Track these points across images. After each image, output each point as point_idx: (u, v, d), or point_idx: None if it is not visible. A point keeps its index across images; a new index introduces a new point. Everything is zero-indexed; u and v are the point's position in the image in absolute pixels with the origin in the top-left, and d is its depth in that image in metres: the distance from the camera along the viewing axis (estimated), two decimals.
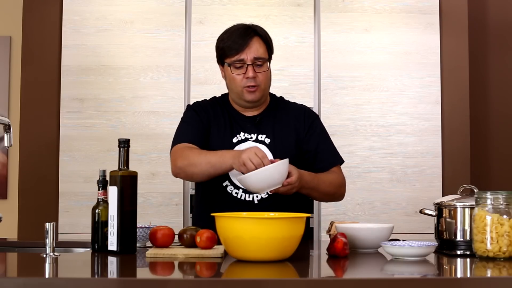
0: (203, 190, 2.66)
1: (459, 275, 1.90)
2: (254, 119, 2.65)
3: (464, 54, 4.01)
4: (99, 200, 2.22)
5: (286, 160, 2.35)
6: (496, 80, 4.32)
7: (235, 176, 2.50)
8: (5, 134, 2.66)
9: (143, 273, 1.91)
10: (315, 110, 3.82)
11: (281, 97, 2.77)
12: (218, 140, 2.62)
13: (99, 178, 2.23)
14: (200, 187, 2.69)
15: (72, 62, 3.90)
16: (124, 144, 2.16)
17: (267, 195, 2.55)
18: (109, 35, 3.92)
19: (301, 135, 2.65)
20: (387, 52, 3.98)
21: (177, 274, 1.89)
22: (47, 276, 1.74)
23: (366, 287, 1.67)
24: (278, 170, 2.32)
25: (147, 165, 3.84)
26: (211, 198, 2.61)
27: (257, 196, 2.56)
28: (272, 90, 2.71)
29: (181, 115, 3.85)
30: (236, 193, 2.57)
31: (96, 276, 1.84)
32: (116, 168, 2.15)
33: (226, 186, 2.58)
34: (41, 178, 3.88)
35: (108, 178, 2.18)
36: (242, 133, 2.62)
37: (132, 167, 2.16)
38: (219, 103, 2.71)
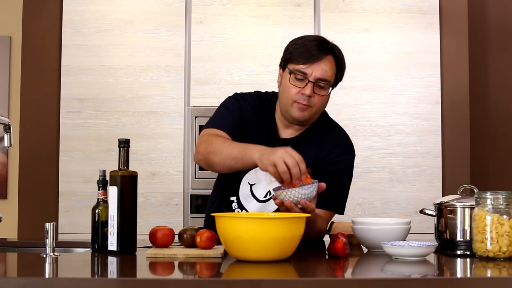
0: (217, 199, 2.56)
1: (459, 275, 1.90)
2: (287, 143, 2.40)
3: (464, 54, 4.01)
4: (99, 200, 2.22)
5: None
6: (496, 80, 4.32)
7: (267, 183, 2.32)
8: (5, 134, 2.66)
9: (143, 273, 1.91)
10: None
11: (327, 118, 2.53)
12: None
13: (99, 178, 2.22)
14: (215, 195, 2.59)
15: (72, 62, 3.90)
16: (124, 144, 2.16)
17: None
18: (109, 35, 3.92)
19: (316, 164, 2.40)
20: (387, 52, 3.98)
21: (177, 274, 1.88)
22: (47, 276, 1.74)
23: (366, 287, 1.67)
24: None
25: (147, 165, 3.83)
26: (221, 209, 2.49)
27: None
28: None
29: (181, 115, 3.89)
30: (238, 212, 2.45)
31: (96, 276, 1.83)
32: (116, 168, 2.15)
33: (232, 201, 2.48)
34: (41, 178, 3.88)
35: (108, 178, 2.18)
36: None
37: (132, 167, 2.16)
38: (262, 111, 2.48)
